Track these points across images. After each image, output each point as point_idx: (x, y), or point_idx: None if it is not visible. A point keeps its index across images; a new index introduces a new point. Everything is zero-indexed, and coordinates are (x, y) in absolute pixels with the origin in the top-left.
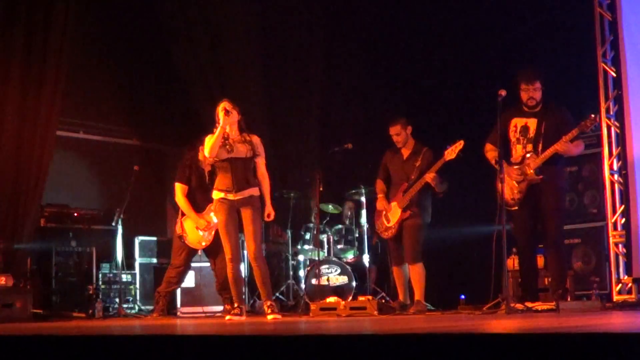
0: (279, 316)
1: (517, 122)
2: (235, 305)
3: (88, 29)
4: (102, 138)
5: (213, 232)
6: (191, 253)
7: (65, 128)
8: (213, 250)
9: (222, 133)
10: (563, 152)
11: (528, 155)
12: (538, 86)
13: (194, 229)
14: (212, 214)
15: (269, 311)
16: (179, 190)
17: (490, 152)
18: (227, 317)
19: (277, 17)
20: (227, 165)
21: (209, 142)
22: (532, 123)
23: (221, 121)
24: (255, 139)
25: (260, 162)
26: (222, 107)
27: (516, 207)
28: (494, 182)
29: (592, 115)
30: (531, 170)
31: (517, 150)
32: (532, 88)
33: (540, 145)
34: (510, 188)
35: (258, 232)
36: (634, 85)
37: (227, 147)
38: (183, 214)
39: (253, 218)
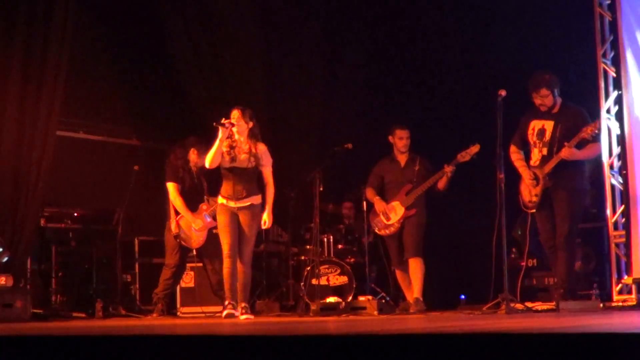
0: (251, 317)
1: (535, 125)
2: (227, 302)
3: (88, 28)
4: (102, 138)
5: (206, 233)
6: (185, 253)
7: (65, 128)
8: (205, 252)
9: (221, 145)
10: (568, 158)
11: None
12: (545, 93)
13: (190, 229)
14: (204, 214)
15: (243, 312)
16: (174, 190)
17: (514, 154)
18: (224, 313)
19: (278, 16)
20: (229, 174)
21: (209, 154)
22: (548, 126)
23: (220, 133)
24: (261, 149)
25: (266, 171)
26: (233, 115)
27: (534, 210)
28: (518, 184)
29: (593, 123)
30: (543, 175)
31: (535, 154)
32: (538, 95)
33: (556, 149)
34: (528, 191)
35: (252, 238)
36: (634, 85)
37: (232, 155)
38: (178, 213)
39: (249, 224)
